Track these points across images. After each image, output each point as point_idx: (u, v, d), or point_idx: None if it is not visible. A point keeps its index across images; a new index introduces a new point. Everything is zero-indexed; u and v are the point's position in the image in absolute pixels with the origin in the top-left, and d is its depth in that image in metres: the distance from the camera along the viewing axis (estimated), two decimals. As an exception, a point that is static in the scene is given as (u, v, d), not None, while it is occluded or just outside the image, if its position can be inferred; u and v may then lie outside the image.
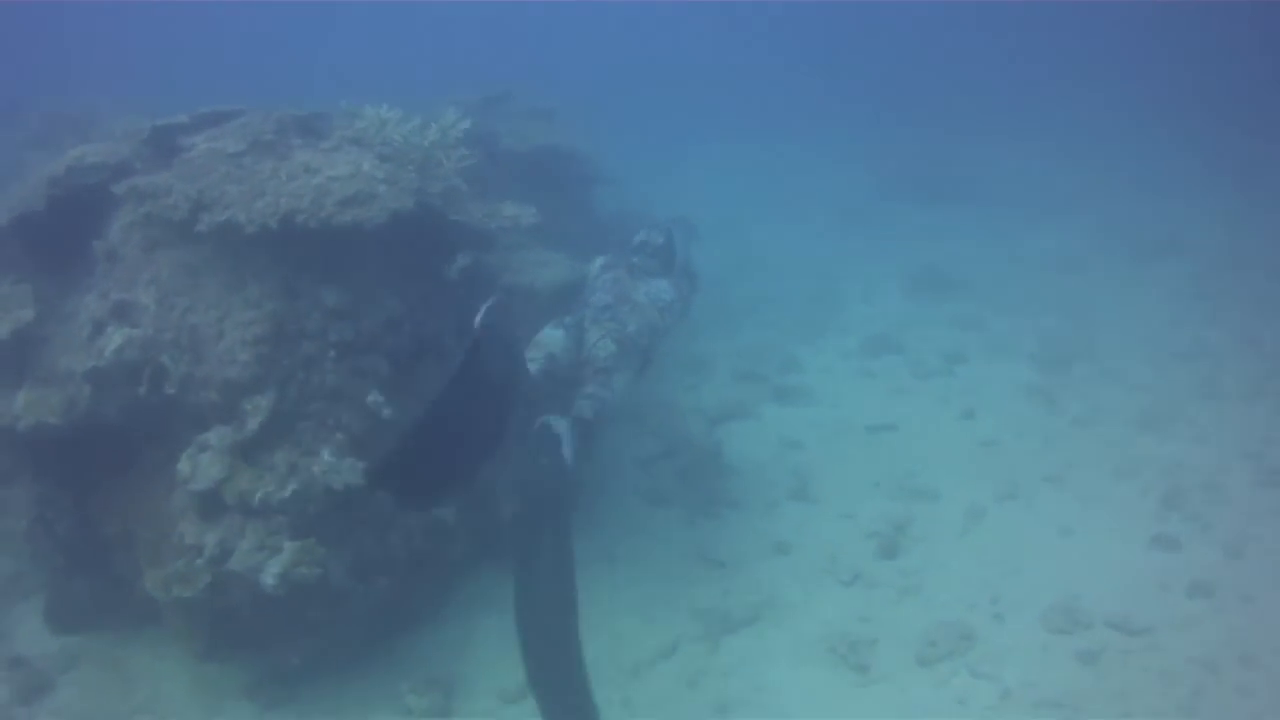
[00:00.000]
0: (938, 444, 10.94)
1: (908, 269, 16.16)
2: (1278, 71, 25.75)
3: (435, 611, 8.66)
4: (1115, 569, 8.71)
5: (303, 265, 7.75)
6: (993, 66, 31.45)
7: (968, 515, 9.61)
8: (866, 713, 7.49)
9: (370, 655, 8.18)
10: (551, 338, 7.93)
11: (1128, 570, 8.70)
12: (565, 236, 11.88)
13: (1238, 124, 23.23)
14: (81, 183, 8.29)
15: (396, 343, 8.03)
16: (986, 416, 11.47)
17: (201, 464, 7.30)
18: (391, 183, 7.71)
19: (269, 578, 7.16)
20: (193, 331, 7.72)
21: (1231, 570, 8.62)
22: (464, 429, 6.21)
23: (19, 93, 18.65)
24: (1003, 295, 15.18)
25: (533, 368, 7.47)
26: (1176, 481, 9.89)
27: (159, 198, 7.64)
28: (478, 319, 6.35)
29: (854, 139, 25.63)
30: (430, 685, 7.84)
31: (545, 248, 11.00)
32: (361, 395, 7.77)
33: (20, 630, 8.62)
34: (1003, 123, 25.41)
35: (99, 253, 8.26)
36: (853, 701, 7.62)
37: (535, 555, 6.67)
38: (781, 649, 8.19)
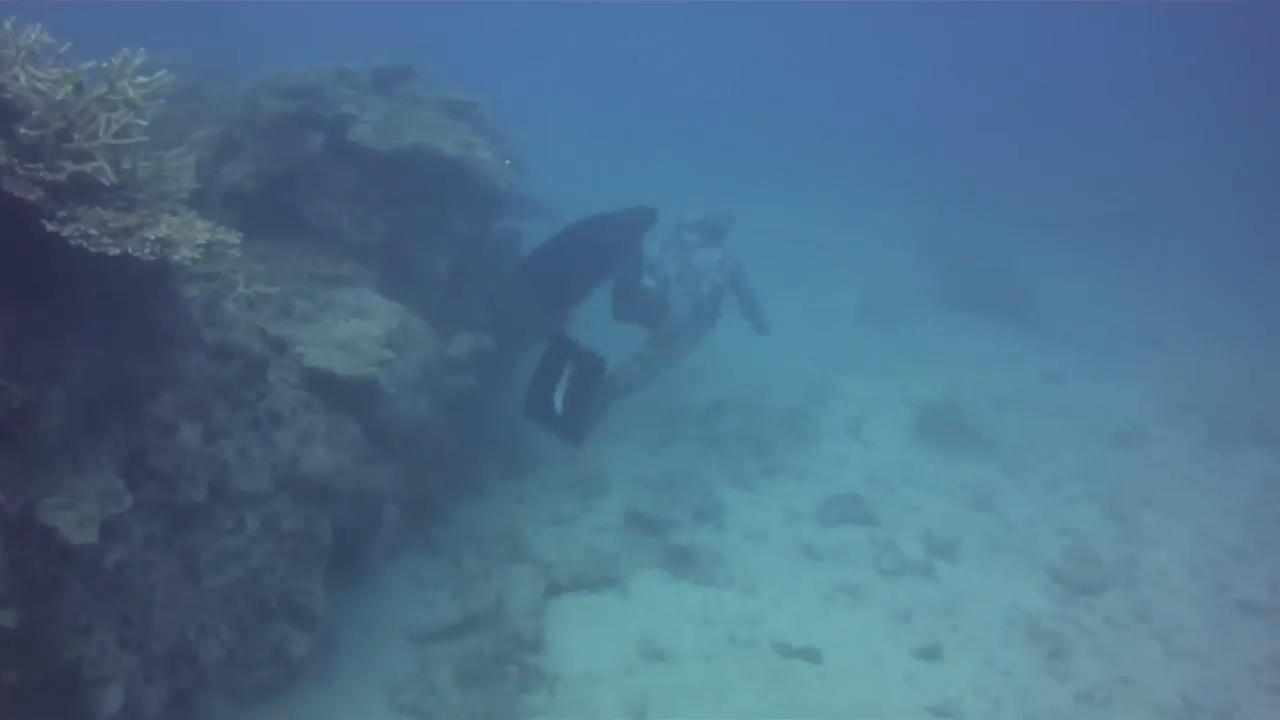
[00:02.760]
0: (870, 698, 7.24)
1: (922, 398, 12.50)
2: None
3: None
4: None
5: None
6: (1083, 170, 27.54)
7: None
8: None
9: None
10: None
11: None
12: (429, 279, 8.54)
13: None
14: None
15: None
16: (957, 663, 7.77)
17: None
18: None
19: None
20: None
21: None
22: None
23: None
24: (1035, 463, 11.49)
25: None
26: None
27: None
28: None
29: (907, 218, 22.03)
30: None
31: (377, 289, 7.68)
32: None
33: None
34: (1081, 235, 21.85)
35: None
36: None
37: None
38: None
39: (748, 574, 8.54)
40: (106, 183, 4.73)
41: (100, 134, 4.81)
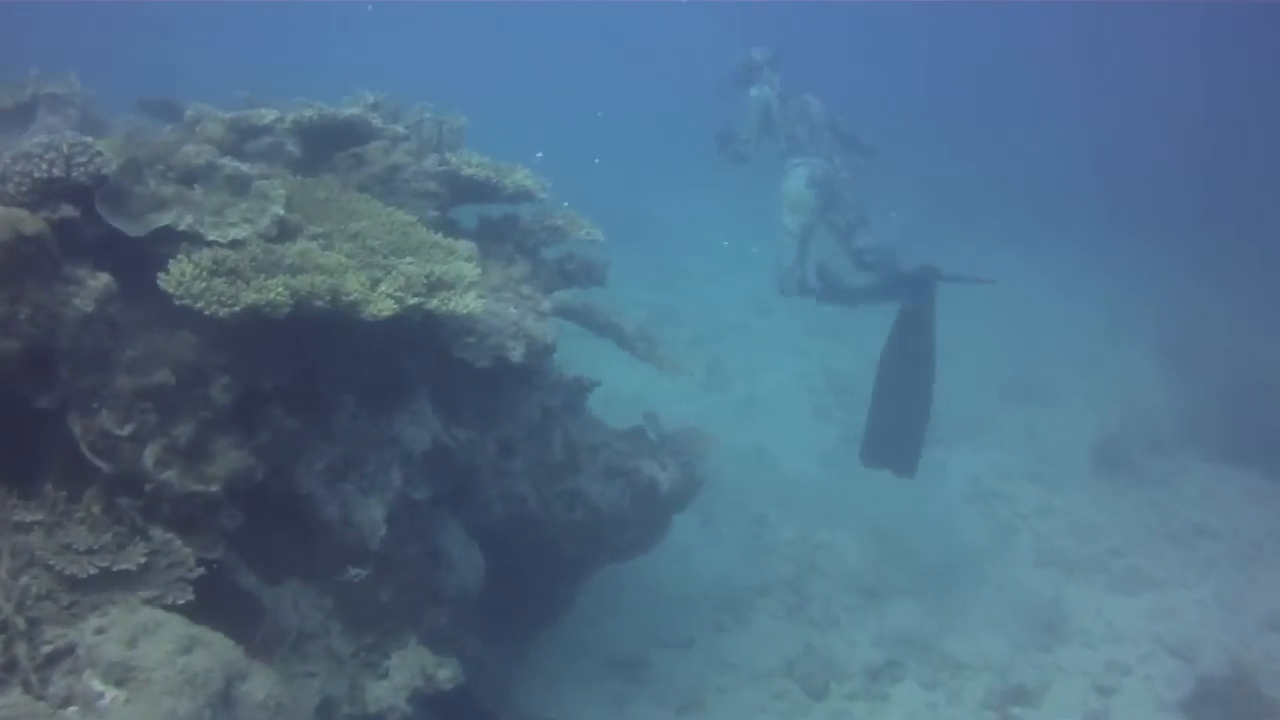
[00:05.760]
0: None
1: (1189, 640, 8.86)
2: None
3: None
4: None
5: None
6: None
7: None
8: None
9: None
10: None
11: None
12: (346, 545, 5.06)
13: None
14: None
15: None
16: None
17: None
18: None
19: None
20: None
21: None
22: None
23: None
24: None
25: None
26: None
27: None
28: None
29: (1141, 293, 17.52)
30: None
31: (202, 600, 4.33)
32: None
33: None
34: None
35: None
36: None
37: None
38: None
39: None
40: None
41: None
